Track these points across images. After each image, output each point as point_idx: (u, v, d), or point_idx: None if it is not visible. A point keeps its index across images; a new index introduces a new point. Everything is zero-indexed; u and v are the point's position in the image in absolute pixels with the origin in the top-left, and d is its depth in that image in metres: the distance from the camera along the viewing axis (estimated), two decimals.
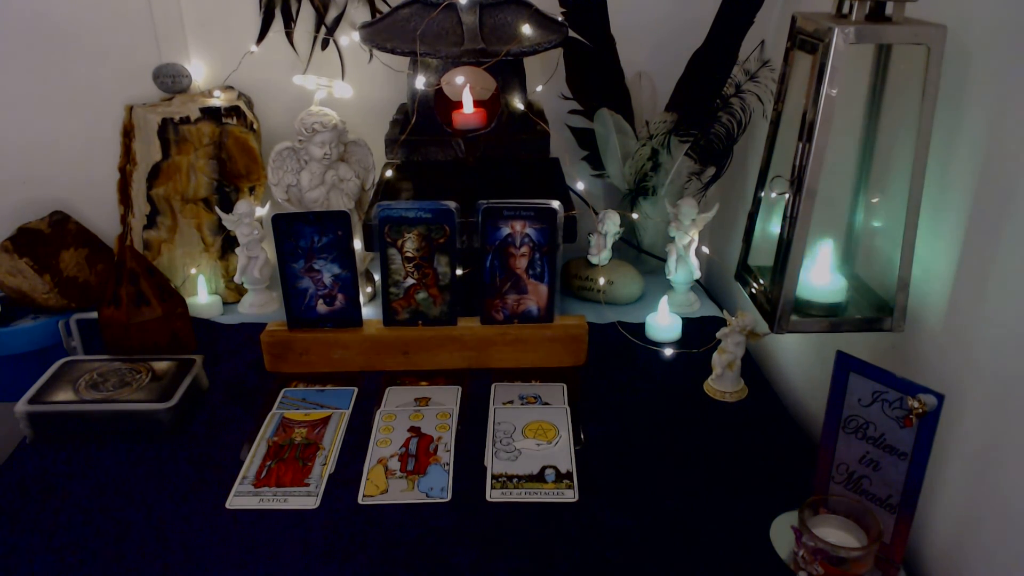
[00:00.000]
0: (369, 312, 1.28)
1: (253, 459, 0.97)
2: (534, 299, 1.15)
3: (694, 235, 1.29)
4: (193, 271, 1.36)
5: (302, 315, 1.15)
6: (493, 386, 1.12)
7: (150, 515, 0.88)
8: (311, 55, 1.39)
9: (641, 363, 1.19)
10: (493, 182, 1.22)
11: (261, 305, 1.36)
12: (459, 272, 1.14)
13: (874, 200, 0.86)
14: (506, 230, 1.11)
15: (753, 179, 0.92)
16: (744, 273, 0.94)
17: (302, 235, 1.11)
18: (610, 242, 1.30)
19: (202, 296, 1.35)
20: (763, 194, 0.89)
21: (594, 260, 1.31)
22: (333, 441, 1.00)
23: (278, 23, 1.36)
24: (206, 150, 1.31)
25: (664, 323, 1.24)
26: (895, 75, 0.81)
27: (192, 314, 1.26)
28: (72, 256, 1.36)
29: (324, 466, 0.95)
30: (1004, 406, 0.70)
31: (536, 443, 0.99)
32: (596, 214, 1.30)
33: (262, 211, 1.33)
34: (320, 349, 1.15)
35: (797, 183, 0.77)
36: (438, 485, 0.92)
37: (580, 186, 1.41)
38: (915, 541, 0.84)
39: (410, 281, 1.13)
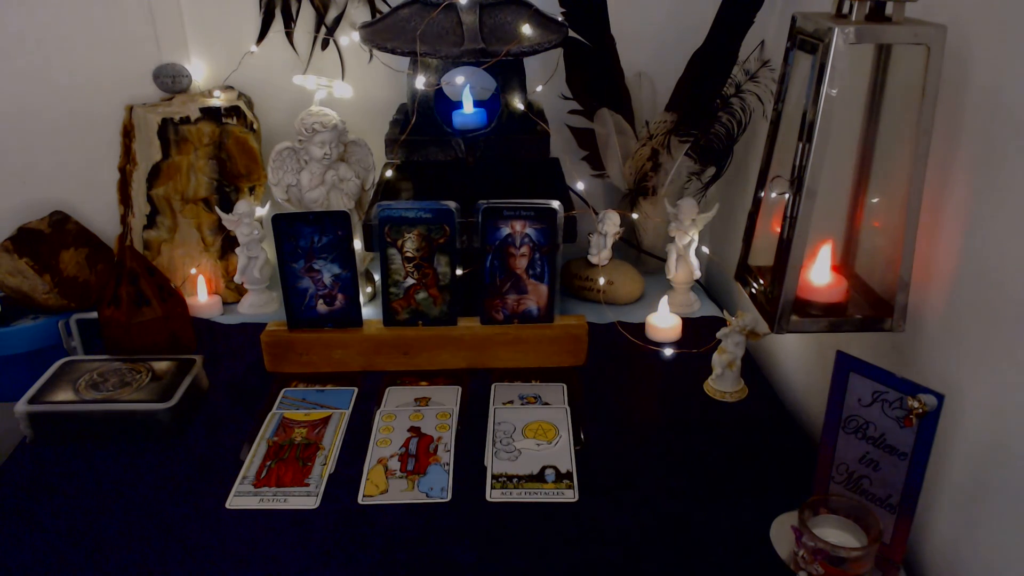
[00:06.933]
0: (369, 312, 1.28)
1: (253, 459, 0.97)
2: (534, 299, 1.15)
3: (694, 235, 1.29)
4: (193, 271, 1.36)
5: (302, 315, 1.15)
6: (493, 386, 1.12)
7: (150, 515, 0.88)
8: (311, 55, 1.39)
9: (641, 363, 1.18)
10: (493, 182, 1.22)
11: (261, 305, 1.36)
12: (459, 272, 1.14)
13: (874, 200, 0.86)
14: (506, 230, 1.11)
15: (753, 179, 0.92)
16: (744, 273, 0.94)
17: (302, 235, 1.11)
18: (610, 242, 1.30)
19: (202, 296, 1.35)
20: (763, 194, 0.89)
21: (594, 260, 1.31)
22: (333, 441, 1.00)
23: (278, 23, 1.36)
24: (206, 150, 1.31)
25: (664, 323, 1.24)
26: (895, 75, 0.81)
27: (192, 314, 1.26)
28: (72, 256, 1.36)
29: (324, 466, 0.95)
30: (1004, 406, 0.70)
31: (536, 443, 0.99)
32: (596, 214, 1.30)
33: (262, 211, 1.33)
34: (320, 349, 1.15)
35: (797, 183, 0.77)
36: (438, 485, 0.92)
37: (580, 186, 1.41)
38: (915, 541, 0.84)
39: (410, 281, 1.13)
